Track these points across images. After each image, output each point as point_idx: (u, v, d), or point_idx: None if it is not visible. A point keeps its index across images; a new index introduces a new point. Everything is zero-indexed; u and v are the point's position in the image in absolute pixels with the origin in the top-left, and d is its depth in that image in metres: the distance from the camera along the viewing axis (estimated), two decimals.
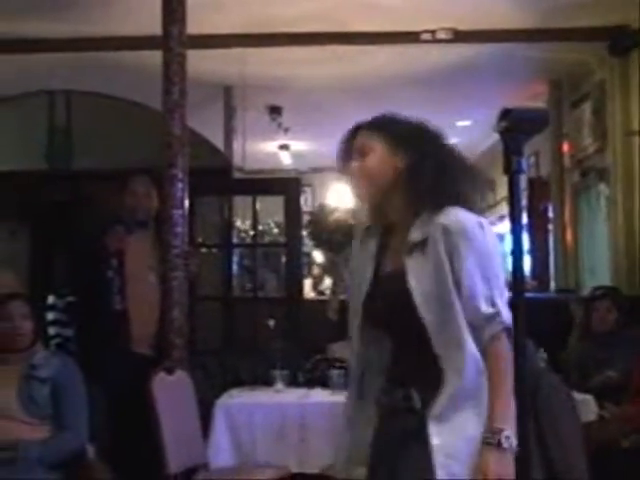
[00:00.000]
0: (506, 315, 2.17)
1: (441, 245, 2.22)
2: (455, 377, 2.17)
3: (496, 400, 2.13)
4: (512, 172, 1.32)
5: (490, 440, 2.10)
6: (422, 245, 2.25)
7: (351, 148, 2.46)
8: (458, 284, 2.20)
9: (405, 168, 2.35)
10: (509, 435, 2.07)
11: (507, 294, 2.20)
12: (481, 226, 2.25)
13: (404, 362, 2.32)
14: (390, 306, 2.31)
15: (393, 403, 2.30)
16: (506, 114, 1.36)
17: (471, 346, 2.18)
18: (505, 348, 2.16)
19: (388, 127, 2.41)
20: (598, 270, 8.10)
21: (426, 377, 2.24)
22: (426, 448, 2.18)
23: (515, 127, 1.36)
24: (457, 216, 2.24)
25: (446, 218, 2.24)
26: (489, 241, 2.25)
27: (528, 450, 1.34)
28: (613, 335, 5.58)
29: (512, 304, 1.39)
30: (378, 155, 2.38)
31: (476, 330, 2.20)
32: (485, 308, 2.19)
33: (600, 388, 5.20)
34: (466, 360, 2.17)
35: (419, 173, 2.32)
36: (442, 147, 2.38)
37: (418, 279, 2.23)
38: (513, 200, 1.33)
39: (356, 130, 2.47)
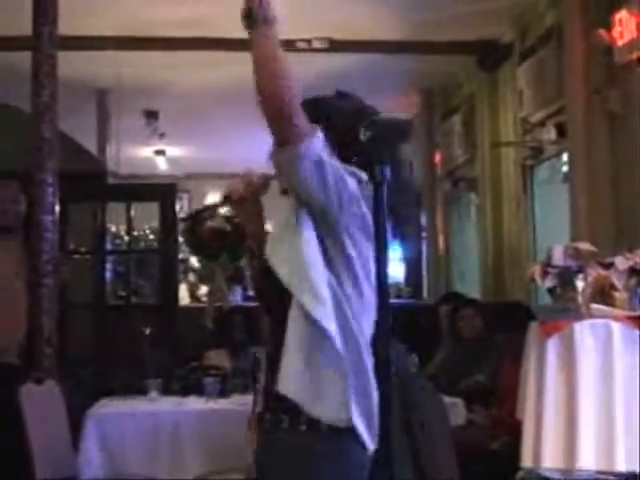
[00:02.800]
0: None
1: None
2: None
3: None
4: (376, 181, 1.33)
5: None
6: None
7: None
8: None
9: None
10: None
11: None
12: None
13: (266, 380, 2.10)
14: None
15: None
16: (372, 124, 1.37)
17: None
18: None
19: (316, 110, 2.02)
20: (468, 277, 8.33)
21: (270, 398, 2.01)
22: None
23: (380, 136, 1.37)
24: None
25: None
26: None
27: (390, 450, 1.36)
28: (480, 341, 5.74)
29: (378, 310, 1.41)
30: None
31: None
32: None
33: (469, 392, 5.34)
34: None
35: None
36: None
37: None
38: (378, 208, 1.35)
39: None
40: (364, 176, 1.81)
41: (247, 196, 2.07)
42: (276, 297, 2.01)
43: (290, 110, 1.79)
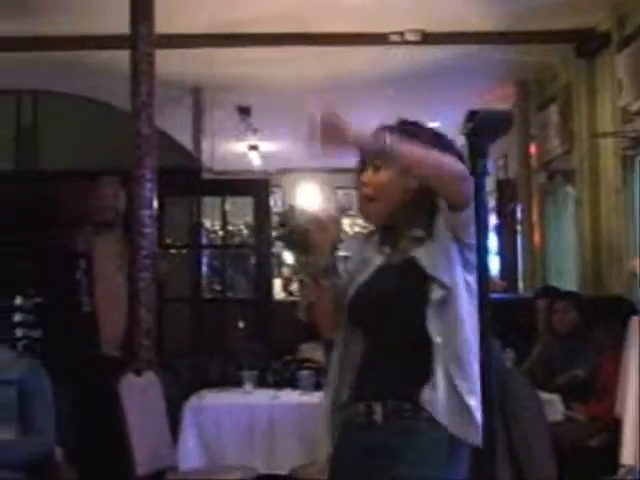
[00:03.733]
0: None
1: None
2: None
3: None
4: (477, 173, 1.32)
5: None
6: (427, 236, 2.15)
7: (364, 160, 2.26)
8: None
9: (417, 190, 2.18)
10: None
11: None
12: None
13: (374, 371, 2.18)
14: (383, 301, 2.19)
15: (353, 416, 2.19)
16: (472, 116, 1.36)
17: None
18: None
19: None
20: (565, 271, 8.17)
21: (396, 389, 2.13)
22: (392, 461, 2.10)
23: (480, 129, 1.36)
24: None
25: None
26: None
27: (494, 449, 1.35)
28: (576, 335, 5.62)
29: (478, 304, 1.39)
30: (390, 172, 2.19)
31: None
32: None
33: (567, 387, 5.23)
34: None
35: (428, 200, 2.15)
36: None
37: (429, 260, 2.12)
38: (478, 201, 1.33)
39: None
40: None
41: (331, 226, 2.24)
42: (374, 315, 2.19)
43: (466, 182, 1.91)
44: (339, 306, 2.27)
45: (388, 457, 2.11)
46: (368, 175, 2.23)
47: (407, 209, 2.19)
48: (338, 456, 2.23)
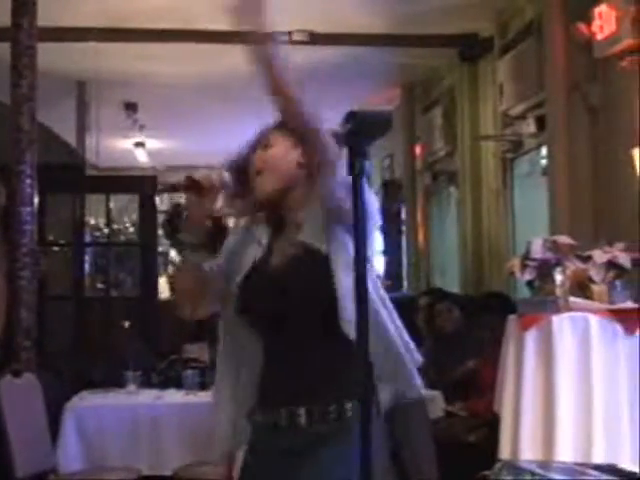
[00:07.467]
0: None
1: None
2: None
3: None
4: (355, 174, 1.33)
5: None
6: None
7: (254, 145, 2.31)
8: None
9: (306, 164, 2.21)
10: None
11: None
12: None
13: (285, 371, 2.12)
14: (294, 301, 2.10)
15: (272, 420, 2.12)
16: (350, 116, 1.37)
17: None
18: None
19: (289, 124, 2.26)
20: (448, 270, 8.35)
21: (317, 391, 2.09)
22: (316, 466, 2.05)
23: (359, 129, 1.37)
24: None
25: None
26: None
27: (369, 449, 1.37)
28: (461, 334, 5.74)
29: (357, 305, 1.41)
30: (281, 147, 2.25)
31: None
32: None
33: (463, 380, 5.34)
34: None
35: (319, 172, 2.15)
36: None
37: (343, 268, 2.05)
38: (357, 202, 1.35)
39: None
40: None
41: (216, 189, 2.16)
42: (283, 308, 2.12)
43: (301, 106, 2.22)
44: (211, 292, 2.23)
45: (311, 456, 2.06)
46: (258, 155, 2.26)
47: (296, 185, 2.21)
48: (254, 459, 2.16)
